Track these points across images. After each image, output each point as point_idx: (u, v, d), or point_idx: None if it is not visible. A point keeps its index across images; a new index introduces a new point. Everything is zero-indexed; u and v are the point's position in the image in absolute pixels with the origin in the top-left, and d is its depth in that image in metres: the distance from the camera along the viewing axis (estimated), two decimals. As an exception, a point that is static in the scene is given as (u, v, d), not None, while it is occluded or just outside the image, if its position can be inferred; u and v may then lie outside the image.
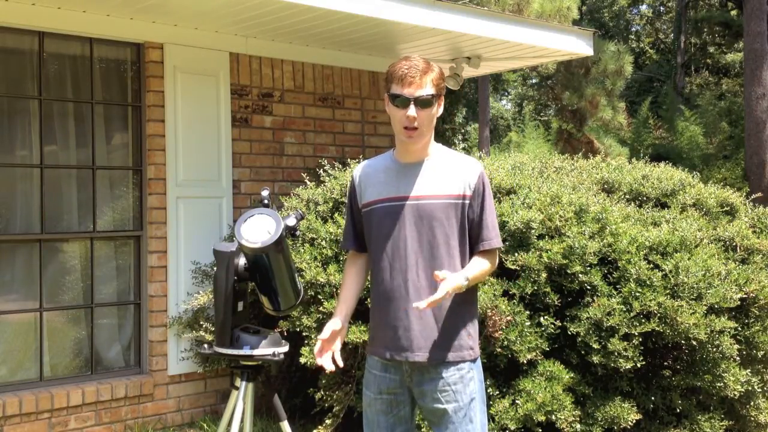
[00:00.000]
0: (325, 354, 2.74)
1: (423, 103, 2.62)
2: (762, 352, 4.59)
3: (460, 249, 2.69)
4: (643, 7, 32.04)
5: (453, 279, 2.55)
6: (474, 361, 2.72)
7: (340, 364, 2.74)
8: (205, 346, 3.46)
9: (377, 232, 2.73)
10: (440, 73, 2.69)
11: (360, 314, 4.36)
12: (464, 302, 2.69)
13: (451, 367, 2.66)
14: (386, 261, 2.70)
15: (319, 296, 4.42)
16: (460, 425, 2.67)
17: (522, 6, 12.13)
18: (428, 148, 2.74)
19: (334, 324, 2.74)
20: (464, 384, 2.67)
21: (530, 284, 4.17)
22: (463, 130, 25.95)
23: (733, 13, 24.33)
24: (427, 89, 2.62)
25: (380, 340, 2.75)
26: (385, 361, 2.74)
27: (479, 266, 2.69)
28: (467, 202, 2.68)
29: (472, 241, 2.72)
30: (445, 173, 2.70)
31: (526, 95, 31.27)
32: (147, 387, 5.15)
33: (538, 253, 4.20)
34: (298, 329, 4.44)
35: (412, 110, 2.61)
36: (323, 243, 4.56)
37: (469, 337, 2.69)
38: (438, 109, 2.70)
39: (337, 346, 2.75)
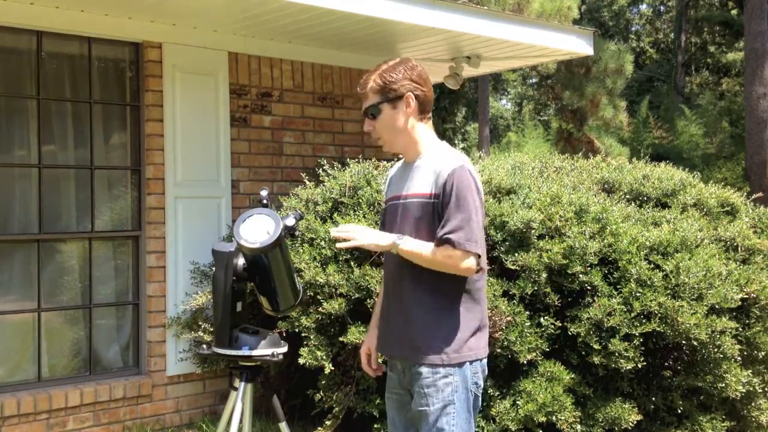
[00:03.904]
0: (369, 366, 2.96)
1: (371, 114, 2.73)
2: (763, 353, 4.58)
3: None
4: (643, 7, 32.04)
5: (368, 231, 2.67)
6: (455, 366, 2.63)
7: (378, 367, 2.95)
8: (204, 346, 3.45)
9: (385, 230, 2.80)
10: (390, 74, 2.69)
11: (360, 315, 4.36)
12: (443, 307, 2.64)
13: (425, 370, 2.63)
14: (384, 259, 2.84)
15: (319, 296, 4.40)
16: (429, 431, 2.63)
17: (522, 5, 12.10)
18: (419, 147, 2.76)
19: (364, 346, 2.99)
20: (437, 389, 2.62)
21: (530, 284, 4.16)
22: (462, 130, 25.96)
23: (734, 12, 24.32)
24: (370, 99, 2.72)
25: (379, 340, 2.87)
26: (389, 360, 2.84)
27: (422, 245, 2.63)
28: (436, 201, 2.64)
29: None
30: (425, 172, 2.70)
31: (526, 95, 31.27)
32: (145, 388, 5.13)
33: (538, 253, 4.18)
34: (297, 330, 4.43)
35: (366, 125, 2.76)
36: (322, 243, 4.54)
37: (444, 341, 2.62)
38: (398, 110, 2.70)
39: (374, 356, 2.95)
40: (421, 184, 2.69)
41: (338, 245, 2.72)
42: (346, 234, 2.66)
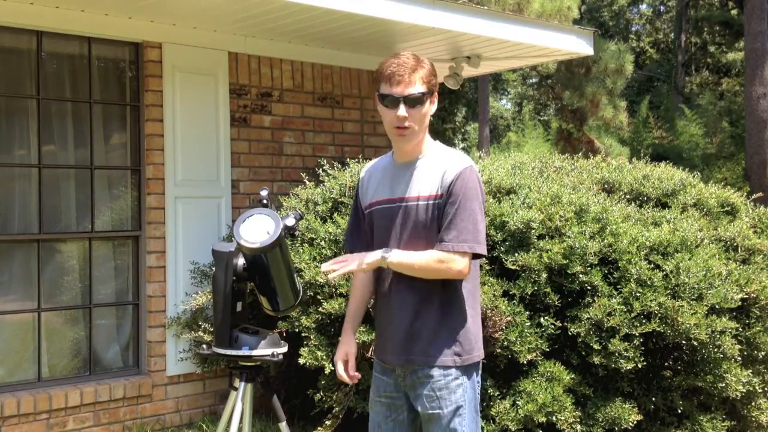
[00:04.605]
0: (347, 373, 2.82)
1: (413, 101, 2.56)
2: (763, 353, 4.58)
3: None
4: (643, 7, 32.03)
5: (354, 255, 2.64)
6: (463, 368, 2.63)
7: (355, 374, 2.81)
8: (204, 346, 3.45)
9: (376, 234, 2.71)
10: (431, 69, 2.62)
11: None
12: (450, 306, 2.61)
13: (437, 372, 2.60)
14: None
15: (318, 296, 4.40)
16: None
17: (522, 5, 12.10)
18: (422, 146, 2.67)
19: (340, 351, 2.82)
20: (450, 391, 2.60)
21: (530, 284, 4.15)
22: (462, 130, 25.94)
23: (734, 12, 24.31)
24: (417, 87, 2.55)
25: (377, 344, 2.79)
26: (384, 364, 2.74)
27: (413, 255, 2.57)
28: (440, 201, 2.58)
29: None
30: (430, 173, 2.62)
31: (526, 95, 31.27)
32: (145, 388, 5.13)
33: (538, 253, 4.18)
34: (297, 330, 4.43)
35: (402, 110, 2.55)
36: (322, 243, 4.54)
37: (456, 343, 2.61)
38: (431, 107, 2.64)
39: (351, 363, 2.82)
40: (426, 186, 2.60)
41: (329, 276, 2.64)
42: (334, 265, 2.61)
